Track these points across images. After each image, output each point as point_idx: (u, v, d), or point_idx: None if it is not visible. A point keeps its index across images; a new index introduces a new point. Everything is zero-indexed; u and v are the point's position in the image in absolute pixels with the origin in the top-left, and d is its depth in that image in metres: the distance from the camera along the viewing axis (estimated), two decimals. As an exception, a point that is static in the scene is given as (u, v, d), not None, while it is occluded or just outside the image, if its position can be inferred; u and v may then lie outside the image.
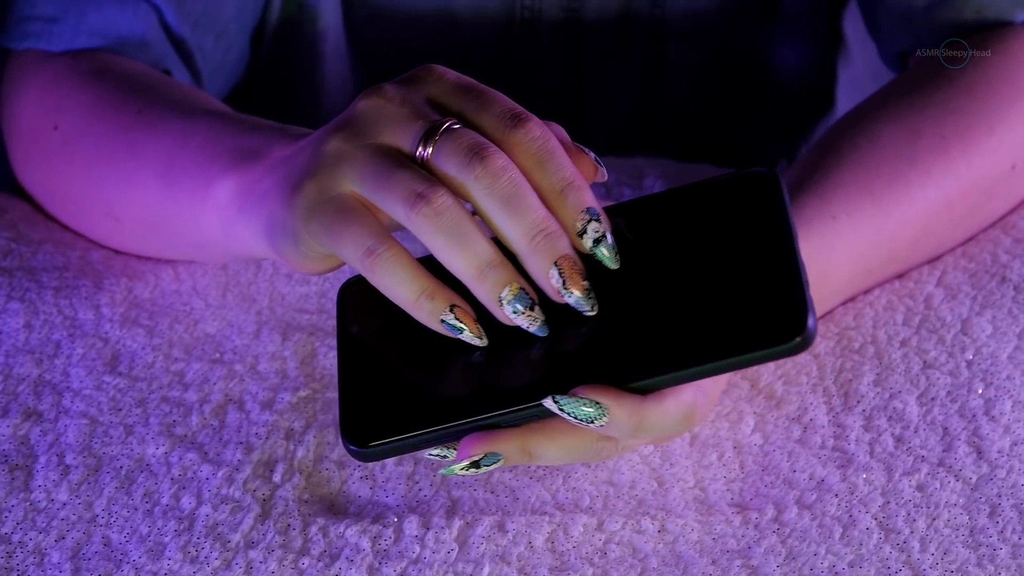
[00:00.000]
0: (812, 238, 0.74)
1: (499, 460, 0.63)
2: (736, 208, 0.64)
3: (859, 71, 1.05)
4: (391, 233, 0.64)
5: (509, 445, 0.63)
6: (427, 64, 0.66)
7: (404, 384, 0.64)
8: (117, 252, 0.84)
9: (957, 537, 0.67)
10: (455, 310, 0.63)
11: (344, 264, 0.67)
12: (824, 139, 0.80)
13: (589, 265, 0.63)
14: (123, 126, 0.79)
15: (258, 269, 0.82)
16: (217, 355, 0.77)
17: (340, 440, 0.63)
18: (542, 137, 0.63)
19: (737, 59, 1.01)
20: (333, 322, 0.78)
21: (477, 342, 0.63)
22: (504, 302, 0.62)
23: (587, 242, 0.63)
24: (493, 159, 0.62)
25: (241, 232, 0.70)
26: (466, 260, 0.62)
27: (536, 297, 0.63)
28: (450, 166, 0.62)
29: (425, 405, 0.63)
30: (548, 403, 0.62)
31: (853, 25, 1.04)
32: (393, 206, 0.62)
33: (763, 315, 0.61)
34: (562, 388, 0.62)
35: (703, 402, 0.65)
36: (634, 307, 0.63)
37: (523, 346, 0.63)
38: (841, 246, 0.75)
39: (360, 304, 0.66)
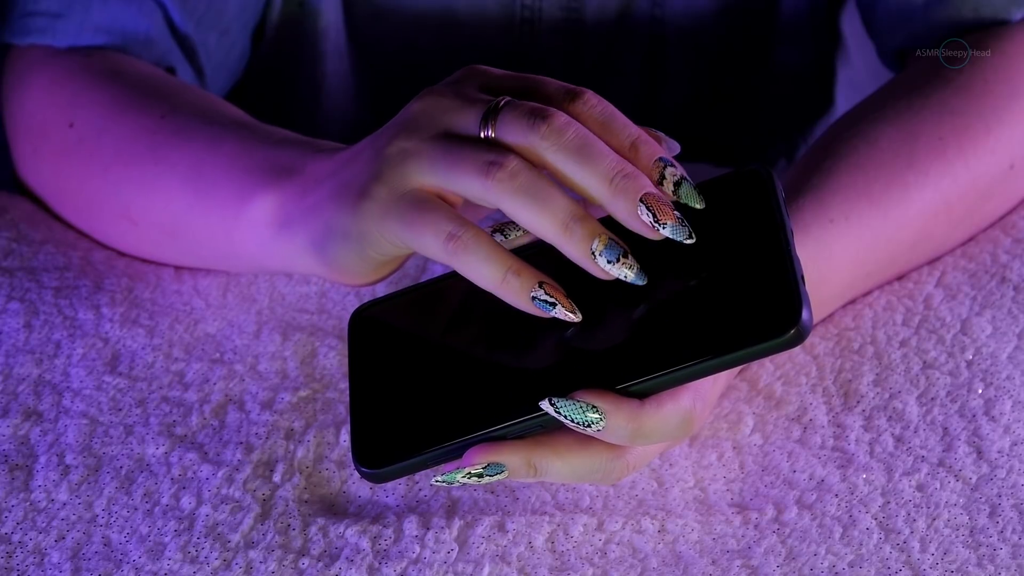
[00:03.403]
0: (809, 242, 0.74)
1: (502, 471, 0.63)
2: (730, 207, 0.64)
3: (858, 71, 1.05)
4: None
5: (513, 456, 0.63)
6: (470, 65, 0.67)
7: (412, 406, 0.65)
8: (120, 253, 0.84)
9: (957, 537, 0.68)
10: (544, 286, 0.63)
11: (388, 276, 0.68)
12: (822, 141, 0.79)
13: (577, 276, 0.63)
14: (146, 129, 0.79)
15: (258, 269, 0.82)
16: (217, 355, 0.77)
17: (352, 463, 0.64)
18: (600, 104, 0.63)
19: (736, 59, 1.01)
20: (333, 321, 0.78)
21: (571, 317, 0.63)
22: (596, 254, 0.62)
23: (668, 187, 0.63)
24: (556, 116, 0.62)
25: (282, 248, 0.71)
26: (550, 217, 0.62)
27: (626, 247, 0.62)
28: (516, 134, 0.62)
29: (433, 425, 0.64)
30: (545, 405, 0.62)
31: (851, 25, 1.03)
32: (469, 182, 0.62)
33: (757, 310, 0.61)
34: (561, 393, 0.62)
35: (701, 407, 0.65)
36: (631, 310, 0.63)
37: (524, 360, 0.64)
38: (839, 250, 0.75)
39: (370, 331, 0.67)
